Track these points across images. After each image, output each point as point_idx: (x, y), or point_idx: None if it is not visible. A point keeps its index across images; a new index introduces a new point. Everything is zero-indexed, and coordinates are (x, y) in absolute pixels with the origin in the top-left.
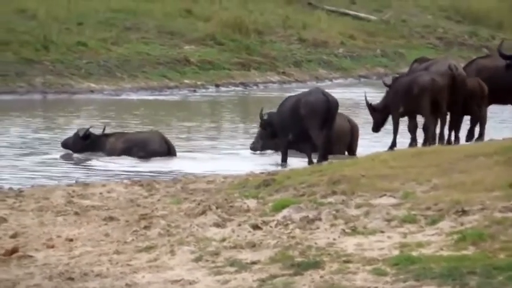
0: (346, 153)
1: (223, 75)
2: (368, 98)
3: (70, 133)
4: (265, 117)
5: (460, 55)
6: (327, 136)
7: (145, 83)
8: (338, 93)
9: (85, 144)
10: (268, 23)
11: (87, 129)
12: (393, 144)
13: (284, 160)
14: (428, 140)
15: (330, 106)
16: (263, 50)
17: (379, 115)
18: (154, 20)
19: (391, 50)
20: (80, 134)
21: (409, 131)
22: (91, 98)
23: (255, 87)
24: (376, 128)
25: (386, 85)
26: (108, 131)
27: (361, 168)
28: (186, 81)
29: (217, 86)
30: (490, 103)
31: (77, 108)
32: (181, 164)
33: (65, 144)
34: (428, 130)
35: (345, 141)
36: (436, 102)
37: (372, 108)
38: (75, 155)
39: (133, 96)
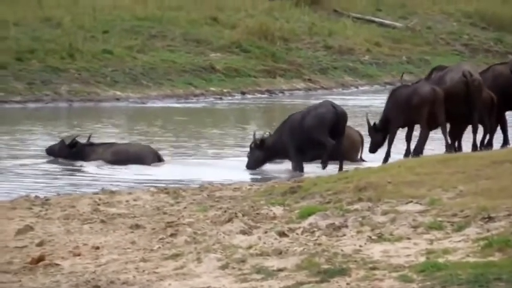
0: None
1: (249, 82)
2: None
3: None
4: (258, 141)
5: (485, 62)
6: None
7: (171, 90)
8: (363, 100)
9: (71, 152)
10: (294, 30)
11: (74, 138)
12: (387, 156)
13: (300, 169)
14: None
15: (339, 118)
16: (289, 57)
17: (380, 135)
18: (180, 28)
19: (416, 56)
20: (67, 142)
21: (406, 140)
22: (117, 106)
23: (280, 95)
24: (375, 148)
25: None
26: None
27: (387, 175)
28: (212, 88)
29: (243, 93)
30: (506, 110)
31: (102, 115)
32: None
33: (50, 151)
34: (420, 140)
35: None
36: (434, 113)
37: (374, 128)
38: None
39: (159, 104)
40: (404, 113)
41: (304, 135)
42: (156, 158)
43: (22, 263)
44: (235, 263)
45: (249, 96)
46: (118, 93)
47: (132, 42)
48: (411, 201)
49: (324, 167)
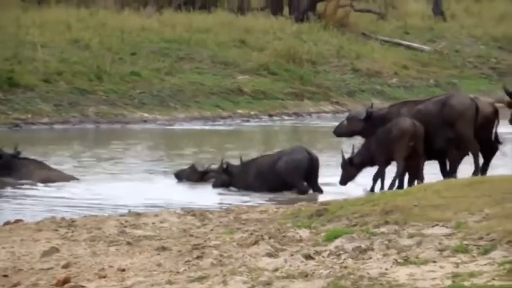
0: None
1: (277, 105)
2: None
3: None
4: (225, 165)
5: None
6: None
7: (199, 112)
8: None
9: None
10: (321, 53)
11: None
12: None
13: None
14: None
15: (313, 164)
16: (316, 80)
17: (354, 170)
18: (208, 50)
19: (444, 80)
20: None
21: (379, 178)
22: (144, 128)
23: (308, 117)
24: (346, 181)
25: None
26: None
27: (413, 198)
28: (239, 111)
29: (270, 115)
30: None
31: (130, 138)
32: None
33: None
34: (397, 175)
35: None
36: (414, 147)
37: (350, 161)
38: None
39: (187, 126)
40: (385, 147)
41: (276, 179)
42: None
43: (48, 285)
44: (261, 285)
45: (276, 118)
46: (145, 115)
47: (160, 64)
48: (437, 225)
49: None
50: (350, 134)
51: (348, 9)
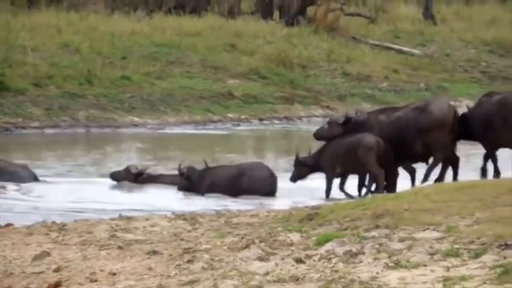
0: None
1: (267, 109)
2: None
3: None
4: (183, 170)
5: (503, 89)
6: None
7: (189, 117)
8: None
9: None
10: (312, 57)
11: None
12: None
13: None
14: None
15: (274, 181)
16: (307, 84)
17: (305, 170)
18: (198, 55)
19: (434, 84)
20: None
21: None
22: (134, 132)
23: (298, 121)
24: (295, 179)
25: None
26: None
27: (404, 202)
28: (229, 115)
29: (260, 120)
30: None
31: (119, 142)
32: None
33: None
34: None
35: None
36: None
37: (299, 162)
38: None
39: (177, 130)
40: (344, 162)
41: (233, 193)
42: (32, 178)
43: None
44: None
45: (266, 122)
46: (136, 119)
47: (150, 68)
48: (428, 228)
49: None
50: (330, 137)
51: (338, 13)
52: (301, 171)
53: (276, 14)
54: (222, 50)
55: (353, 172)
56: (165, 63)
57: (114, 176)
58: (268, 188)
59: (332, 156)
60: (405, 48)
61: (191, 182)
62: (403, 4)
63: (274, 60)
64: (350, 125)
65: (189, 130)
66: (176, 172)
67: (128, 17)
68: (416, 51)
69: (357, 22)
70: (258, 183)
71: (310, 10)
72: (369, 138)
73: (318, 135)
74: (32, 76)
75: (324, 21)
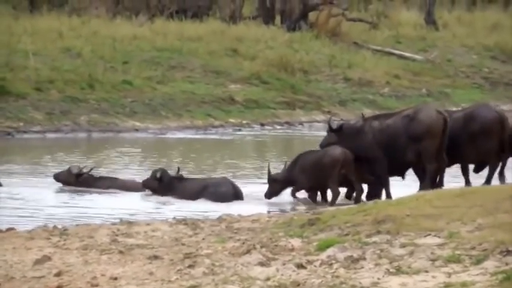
0: None
1: (268, 114)
2: None
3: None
4: (158, 175)
5: (505, 95)
6: None
7: (190, 121)
8: None
9: None
10: (313, 62)
11: None
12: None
13: None
14: None
15: (238, 197)
16: (308, 89)
17: (279, 186)
18: (200, 59)
19: (436, 89)
20: None
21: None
22: (136, 137)
23: (300, 127)
24: (270, 196)
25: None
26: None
27: (405, 207)
28: (231, 120)
29: (262, 125)
30: None
31: (120, 146)
32: None
33: None
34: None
35: None
36: (345, 175)
37: (271, 178)
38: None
39: (178, 135)
40: (312, 177)
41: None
42: None
43: None
44: None
45: (268, 127)
46: (137, 124)
47: (152, 73)
48: (429, 234)
49: None
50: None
51: (340, 19)
52: (275, 187)
53: (278, 19)
54: (223, 55)
55: (323, 187)
56: (167, 67)
57: (57, 176)
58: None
59: (302, 170)
60: (407, 54)
61: (161, 185)
62: (405, 9)
63: (276, 65)
64: (345, 132)
65: (191, 135)
66: (115, 176)
67: (130, 22)
68: (418, 56)
69: (358, 27)
70: (222, 200)
71: (312, 15)
72: (334, 152)
73: (322, 145)
74: (34, 80)
75: (325, 27)
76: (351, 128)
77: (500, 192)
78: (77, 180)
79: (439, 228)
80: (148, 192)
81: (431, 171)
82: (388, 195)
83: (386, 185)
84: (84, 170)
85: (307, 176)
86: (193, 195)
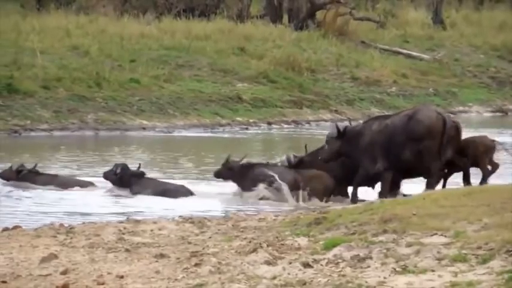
0: None
1: (276, 113)
2: None
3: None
4: (118, 170)
5: None
6: None
7: (198, 120)
8: None
9: None
10: (321, 61)
11: None
12: None
13: None
14: None
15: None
16: (316, 88)
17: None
18: (207, 58)
19: (443, 89)
20: None
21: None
22: (143, 135)
23: (307, 125)
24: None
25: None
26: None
27: (412, 207)
28: (238, 118)
29: (269, 123)
30: None
31: (128, 145)
32: None
33: None
34: None
35: None
36: None
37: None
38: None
39: (185, 133)
40: None
41: None
42: None
43: None
44: None
45: (275, 126)
46: (144, 122)
47: (159, 71)
48: (436, 234)
49: None
50: (334, 155)
51: (347, 18)
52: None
53: (285, 18)
54: (231, 54)
55: None
56: (174, 66)
57: (2, 174)
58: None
59: None
60: (414, 53)
61: (118, 179)
62: (413, 9)
63: (283, 64)
64: (347, 137)
65: (198, 133)
66: (53, 173)
67: (137, 20)
68: (425, 56)
69: (366, 26)
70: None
71: (319, 14)
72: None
73: (324, 160)
74: (41, 78)
75: (333, 26)
76: (352, 131)
77: (507, 192)
78: (17, 177)
79: (445, 227)
80: (88, 189)
81: (436, 173)
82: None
83: (385, 183)
84: (19, 165)
85: None
86: (149, 194)
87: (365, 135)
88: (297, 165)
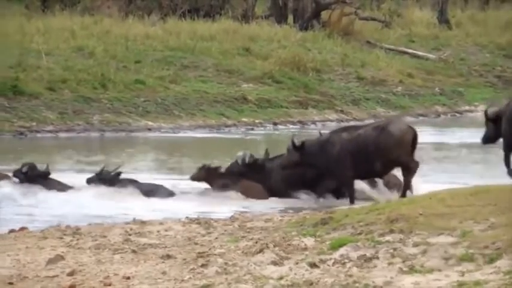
0: None
1: (281, 113)
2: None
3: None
4: (24, 169)
5: None
6: None
7: (203, 121)
8: None
9: None
10: (326, 61)
11: None
12: None
13: None
14: None
15: None
16: (321, 88)
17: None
18: (212, 59)
19: (449, 88)
20: None
21: None
22: (148, 136)
23: (312, 126)
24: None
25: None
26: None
27: (418, 206)
28: (243, 119)
29: (275, 124)
30: None
31: (134, 146)
32: None
33: None
34: None
35: None
36: None
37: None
38: None
39: (191, 134)
40: None
41: None
42: None
43: None
44: None
45: (280, 127)
46: (150, 123)
47: (164, 72)
48: (442, 233)
49: None
50: (292, 165)
51: (352, 18)
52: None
53: (290, 18)
54: (236, 54)
55: None
56: (179, 67)
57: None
58: None
59: None
60: (420, 53)
61: (25, 178)
62: (418, 8)
63: (289, 64)
64: (307, 149)
65: (203, 134)
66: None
67: (142, 21)
68: (431, 55)
69: (371, 26)
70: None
71: (324, 14)
72: None
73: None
74: (46, 80)
75: (338, 26)
76: (314, 144)
77: None
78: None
79: (452, 227)
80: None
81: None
82: (352, 200)
83: (350, 190)
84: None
85: None
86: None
87: (334, 144)
88: (251, 166)
